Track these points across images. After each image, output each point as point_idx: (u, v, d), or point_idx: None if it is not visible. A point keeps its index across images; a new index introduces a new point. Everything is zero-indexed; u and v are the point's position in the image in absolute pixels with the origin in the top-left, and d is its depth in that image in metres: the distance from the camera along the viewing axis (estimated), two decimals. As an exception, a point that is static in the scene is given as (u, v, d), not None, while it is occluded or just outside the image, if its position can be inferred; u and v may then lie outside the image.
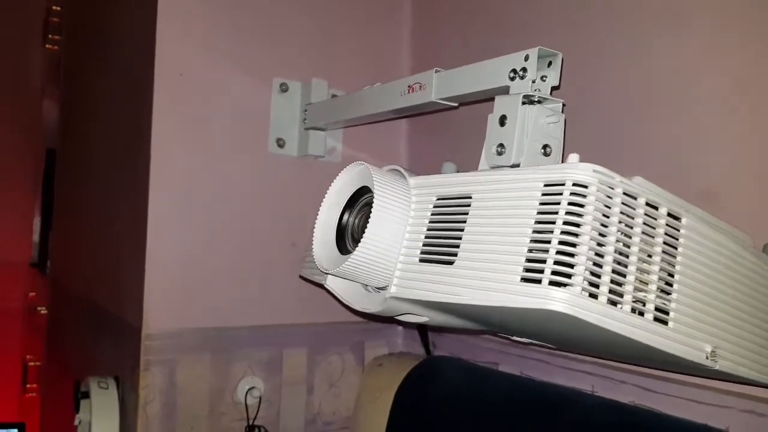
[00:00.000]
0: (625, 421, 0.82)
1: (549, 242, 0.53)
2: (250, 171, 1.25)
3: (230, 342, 1.24)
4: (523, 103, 0.75)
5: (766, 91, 0.81)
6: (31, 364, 2.67)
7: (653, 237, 0.57)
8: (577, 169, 0.55)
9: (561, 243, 0.53)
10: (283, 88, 1.26)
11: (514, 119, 0.75)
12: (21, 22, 2.85)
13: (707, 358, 0.60)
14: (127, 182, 1.32)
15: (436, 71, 0.91)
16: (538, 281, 0.53)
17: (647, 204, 0.57)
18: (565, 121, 0.77)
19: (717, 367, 0.61)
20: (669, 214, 0.59)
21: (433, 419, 1.05)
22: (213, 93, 1.21)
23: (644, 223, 0.57)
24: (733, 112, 0.84)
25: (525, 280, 0.55)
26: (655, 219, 0.58)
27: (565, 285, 0.52)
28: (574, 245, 0.53)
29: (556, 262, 0.53)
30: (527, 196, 0.57)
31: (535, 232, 0.55)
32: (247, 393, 1.24)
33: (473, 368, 1.10)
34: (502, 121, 0.77)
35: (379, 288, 0.76)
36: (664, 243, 0.58)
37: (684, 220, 0.60)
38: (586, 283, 0.53)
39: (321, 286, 0.86)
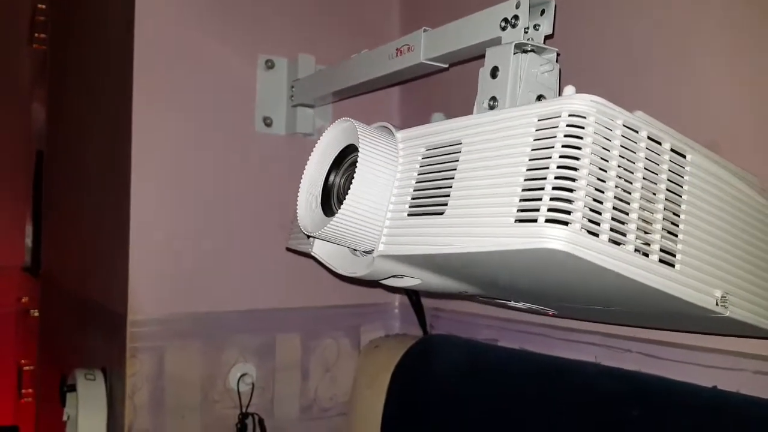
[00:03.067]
0: (629, 388, 0.78)
1: (545, 179, 0.49)
2: (236, 151, 1.21)
3: (220, 328, 1.20)
4: (516, 52, 0.71)
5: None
6: (26, 368, 2.63)
7: (657, 174, 0.53)
8: (574, 100, 0.51)
9: (558, 178, 0.49)
10: (269, 64, 1.23)
11: (507, 69, 0.71)
12: (7, 21, 2.80)
13: (717, 303, 0.56)
14: (110, 169, 1.28)
15: (425, 30, 0.87)
16: (534, 221, 0.49)
17: (650, 138, 0.53)
18: (560, 71, 0.73)
19: (728, 314, 0.57)
20: (673, 150, 0.55)
21: (432, 397, 1.01)
22: (196, 71, 1.17)
23: (647, 158, 0.53)
24: (734, 64, 0.81)
25: (519, 221, 0.51)
26: (659, 155, 0.54)
27: (563, 223, 0.48)
28: (572, 179, 0.49)
29: (553, 198, 0.49)
30: (520, 134, 0.53)
31: (529, 170, 0.51)
32: (239, 380, 1.20)
33: (471, 344, 1.06)
34: (494, 72, 0.73)
35: (367, 252, 0.72)
36: (669, 180, 0.54)
37: (689, 157, 0.56)
38: (585, 220, 0.49)
39: (308, 256, 0.82)
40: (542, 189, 0.49)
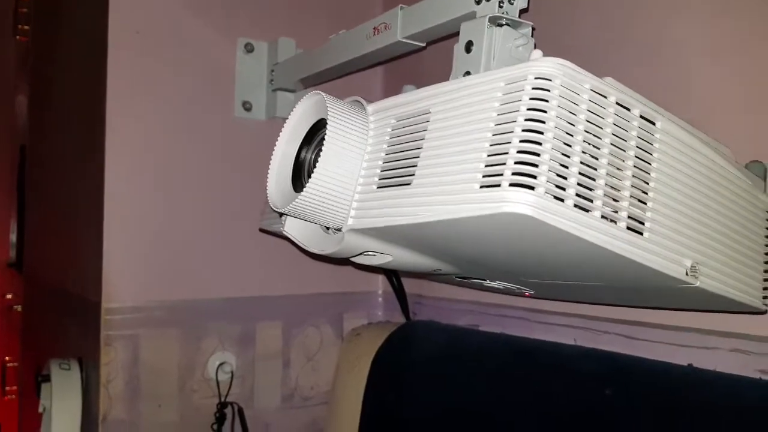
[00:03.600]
0: (604, 367, 0.78)
1: (510, 143, 0.48)
2: (215, 136, 1.20)
3: (199, 316, 1.18)
4: (490, 26, 0.70)
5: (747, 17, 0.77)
6: (10, 365, 2.60)
7: (625, 140, 0.52)
8: (541, 63, 0.50)
9: (523, 141, 0.48)
10: (249, 48, 1.21)
11: (481, 43, 0.70)
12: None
13: (687, 273, 0.55)
14: (85, 155, 1.26)
15: (401, 8, 0.86)
16: (498, 185, 0.48)
17: (618, 104, 0.52)
18: (535, 45, 0.72)
19: (698, 284, 0.56)
20: (642, 117, 0.54)
21: (412, 381, 1.00)
22: (172, 53, 1.15)
23: (615, 124, 0.52)
24: (715, 42, 0.80)
25: (484, 186, 0.49)
26: (628, 121, 0.53)
27: (528, 187, 0.47)
28: (537, 143, 0.48)
29: (518, 162, 0.48)
30: (487, 99, 0.52)
31: (495, 135, 0.50)
32: (218, 369, 1.19)
33: (451, 329, 1.05)
34: (468, 47, 0.72)
35: (338, 230, 0.71)
36: (638, 147, 0.53)
37: (659, 124, 0.55)
38: (551, 185, 0.48)
39: (282, 236, 0.81)
40: (507, 153, 0.48)
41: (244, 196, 1.20)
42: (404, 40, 0.87)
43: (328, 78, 1.15)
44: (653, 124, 0.55)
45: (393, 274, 1.27)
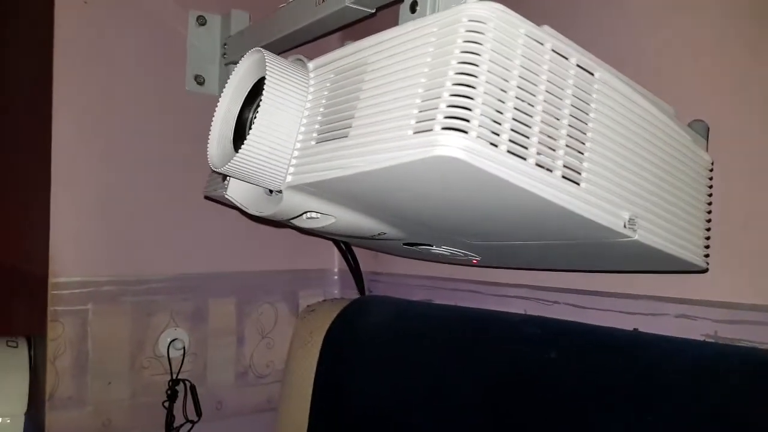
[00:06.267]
0: (548, 332, 0.77)
1: (443, 86, 0.47)
2: (167, 110, 1.17)
3: (149, 292, 1.16)
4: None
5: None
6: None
7: (562, 89, 0.52)
8: (475, 6, 0.49)
9: (455, 84, 0.47)
10: (201, 21, 1.19)
11: (425, 3, 0.69)
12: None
13: (625, 226, 0.55)
14: (33, 127, 1.23)
15: (347, -28, 0.84)
16: (431, 130, 0.47)
17: (555, 52, 0.52)
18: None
19: (636, 237, 0.55)
20: (580, 67, 0.53)
21: (363, 354, 0.99)
22: (122, 25, 1.13)
23: (551, 71, 0.51)
24: (659, 3, 0.80)
25: (418, 133, 0.48)
26: (565, 70, 0.52)
27: (460, 131, 0.46)
28: (470, 86, 0.47)
29: (450, 106, 0.47)
30: (421, 45, 0.51)
31: (429, 80, 0.49)
32: (169, 345, 1.17)
33: (403, 302, 1.05)
34: (413, 7, 0.70)
35: (280, 192, 0.69)
36: (574, 96, 0.52)
37: (597, 75, 0.54)
38: (484, 130, 0.47)
39: (227, 204, 0.79)
40: (440, 98, 0.47)
41: (197, 171, 1.17)
42: (352, 6, 0.85)
43: (282, 49, 1.12)
44: (591, 74, 0.54)
45: (348, 251, 1.26)
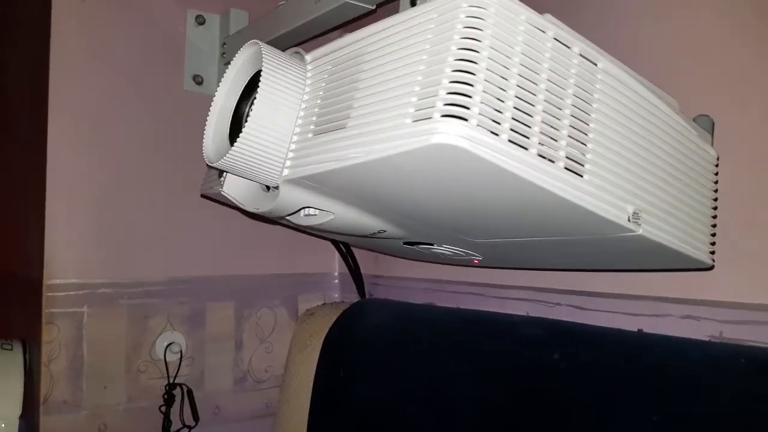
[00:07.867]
0: (551, 333, 0.76)
1: (443, 73, 0.46)
2: (165, 111, 1.16)
3: (146, 295, 1.14)
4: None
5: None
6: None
7: (564, 78, 0.50)
8: (474, -8, 0.47)
9: (455, 71, 0.46)
10: (199, 20, 1.18)
11: (425, -3, 0.68)
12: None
13: (629, 219, 0.53)
14: (29, 130, 1.22)
15: (349, -33, 0.84)
16: (430, 118, 0.46)
17: (557, 40, 0.50)
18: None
19: (641, 231, 0.54)
20: (583, 56, 0.52)
21: (363, 357, 0.98)
22: (119, 24, 1.12)
23: (552, 60, 0.49)
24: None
25: (417, 121, 0.47)
26: (567, 59, 0.51)
27: (460, 119, 0.45)
28: (470, 73, 0.45)
29: (450, 93, 0.45)
30: (420, 32, 0.50)
31: (429, 67, 0.48)
32: (166, 349, 1.15)
33: (404, 305, 1.03)
34: (413, 1, 0.70)
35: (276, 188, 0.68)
36: (577, 86, 0.51)
37: (601, 65, 0.53)
38: (484, 118, 0.45)
39: (222, 202, 0.78)
40: (439, 84, 0.46)
41: (195, 173, 1.16)
42: (352, 2, 0.84)
43: (283, 47, 1.11)
44: (595, 64, 0.53)
45: (348, 254, 1.25)
